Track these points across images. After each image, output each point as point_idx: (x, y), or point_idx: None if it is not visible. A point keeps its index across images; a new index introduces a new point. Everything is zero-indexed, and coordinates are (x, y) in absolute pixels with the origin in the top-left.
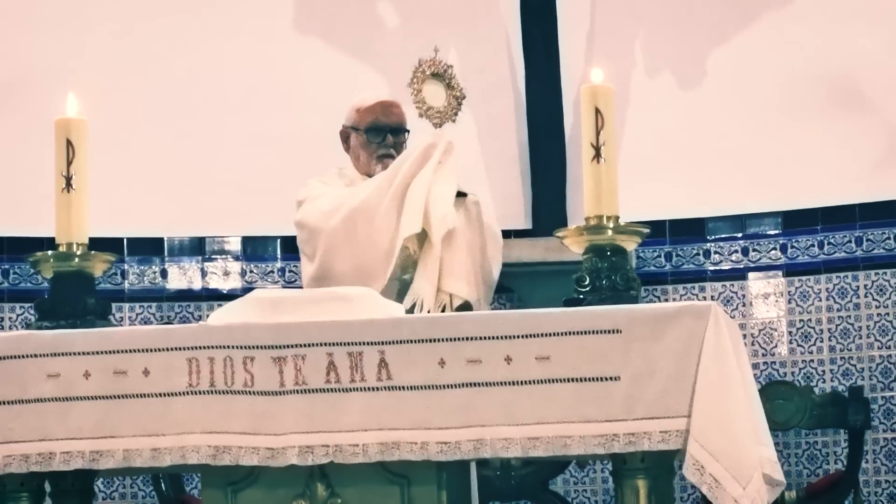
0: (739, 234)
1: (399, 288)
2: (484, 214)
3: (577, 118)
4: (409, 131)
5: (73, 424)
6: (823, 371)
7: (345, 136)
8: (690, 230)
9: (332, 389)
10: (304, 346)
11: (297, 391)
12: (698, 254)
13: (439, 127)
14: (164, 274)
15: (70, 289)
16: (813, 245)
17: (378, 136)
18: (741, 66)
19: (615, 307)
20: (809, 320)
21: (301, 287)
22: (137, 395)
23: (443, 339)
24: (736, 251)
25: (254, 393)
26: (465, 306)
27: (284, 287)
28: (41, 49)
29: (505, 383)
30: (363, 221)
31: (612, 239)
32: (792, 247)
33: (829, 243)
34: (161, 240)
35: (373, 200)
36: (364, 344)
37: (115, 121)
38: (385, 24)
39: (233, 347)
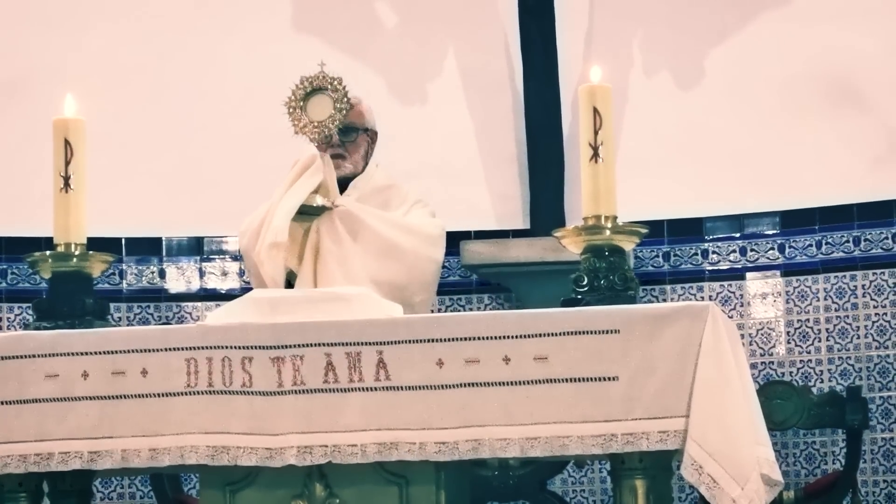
0: (737, 234)
1: None
2: (369, 216)
3: (576, 118)
4: (367, 130)
5: (72, 424)
6: (821, 371)
7: None
8: (688, 230)
9: (330, 390)
10: (303, 346)
11: (296, 391)
12: (696, 254)
13: (317, 141)
14: (162, 274)
15: (68, 289)
16: (811, 245)
17: (334, 137)
18: (740, 65)
19: (613, 307)
20: (807, 320)
21: None
22: (136, 396)
23: (441, 340)
24: (734, 251)
25: (252, 393)
26: None
27: None
28: (39, 49)
29: (503, 383)
30: (256, 240)
31: (610, 239)
32: (790, 247)
33: (826, 243)
34: (159, 240)
35: (259, 220)
36: (362, 344)
37: (113, 121)
38: (383, 24)
39: (231, 348)
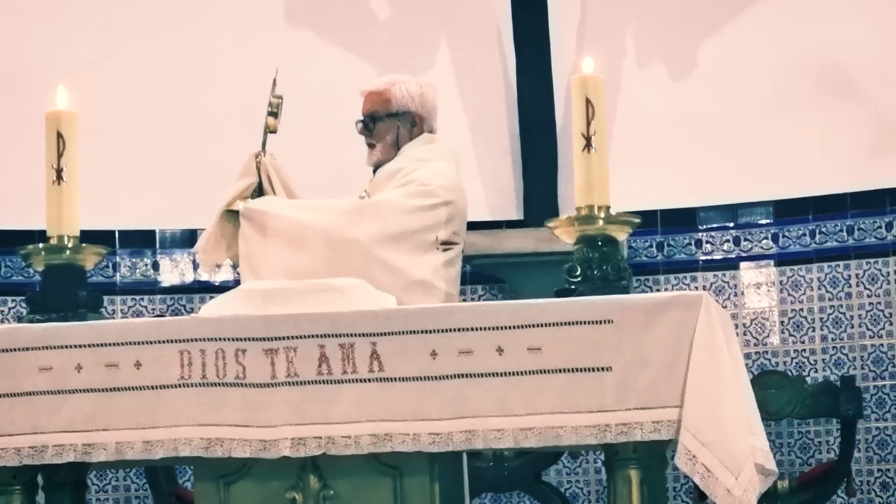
0: (731, 224)
1: None
2: (277, 207)
3: (568, 108)
4: (397, 115)
5: (66, 417)
6: (815, 360)
7: None
8: (682, 220)
9: (323, 381)
10: (296, 337)
11: (289, 383)
12: (690, 244)
13: (263, 142)
14: (155, 266)
15: (62, 282)
16: (804, 234)
17: (358, 126)
18: (732, 56)
19: (607, 297)
20: (801, 310)
21: None
22: (129, 388)
23: (434, 331)
24: (727, 241)
25: (246, 385)
26: None
27: None
28: (31, 42)
29: (497, 374)
30: None
31: (603, 229)
32: (783, 236)
33: (820, 232)
34: (153, 232)
35: None
36: (356, 335)
37: (106, 113)
38: (376, 17)
39: (224, 339)
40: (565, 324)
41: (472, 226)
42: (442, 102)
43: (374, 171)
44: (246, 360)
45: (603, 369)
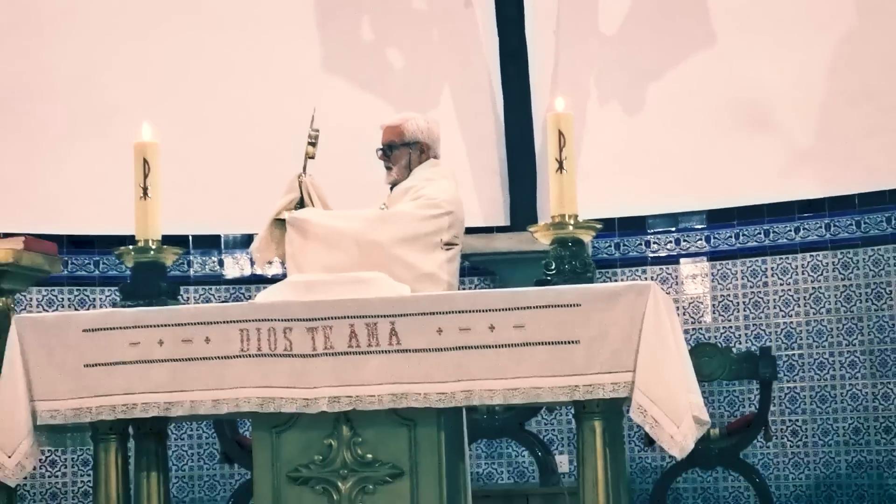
0: (673, 228)
1: None
2: (316, 216)
3: (545, 139)
4: (409, 144)
5: (151, 381)
6: (739, 335)
7: None
8: (634, 225)
9: (353, 352)
10: (331, 318)
11: (326, 354)
12: (641, 244)
13: (304, 165)
14: (221, 263)
15: (147, 275)
16: (731, 236)
17: (378, 153)
18: (674, 96)
19: (576, 286)
20: (728, 295)
21: None
22: (201, 359)
23: (440, 312)
24: (670, 242)
25: (292, 356)
26: None
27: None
28: (119, 85)
29: (490, 346)
30: None
31: (573, 233)
32: (714, 238)
33: (743, 235)
34: (219, 236)
35: None
36: (378, 317)
37: (181, 142)
38: (393, 67)
39: (275, 320)
40: (543, 307)
41: (469, 230)
42: (444, 134)
43: (391, 189)
44: (292, 336)
45: (573, 342)
